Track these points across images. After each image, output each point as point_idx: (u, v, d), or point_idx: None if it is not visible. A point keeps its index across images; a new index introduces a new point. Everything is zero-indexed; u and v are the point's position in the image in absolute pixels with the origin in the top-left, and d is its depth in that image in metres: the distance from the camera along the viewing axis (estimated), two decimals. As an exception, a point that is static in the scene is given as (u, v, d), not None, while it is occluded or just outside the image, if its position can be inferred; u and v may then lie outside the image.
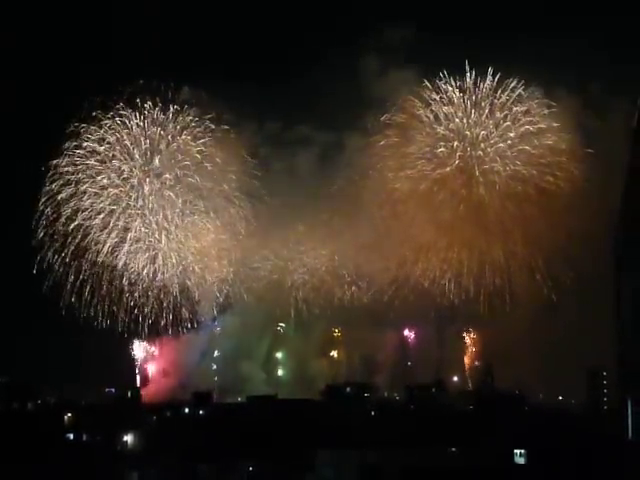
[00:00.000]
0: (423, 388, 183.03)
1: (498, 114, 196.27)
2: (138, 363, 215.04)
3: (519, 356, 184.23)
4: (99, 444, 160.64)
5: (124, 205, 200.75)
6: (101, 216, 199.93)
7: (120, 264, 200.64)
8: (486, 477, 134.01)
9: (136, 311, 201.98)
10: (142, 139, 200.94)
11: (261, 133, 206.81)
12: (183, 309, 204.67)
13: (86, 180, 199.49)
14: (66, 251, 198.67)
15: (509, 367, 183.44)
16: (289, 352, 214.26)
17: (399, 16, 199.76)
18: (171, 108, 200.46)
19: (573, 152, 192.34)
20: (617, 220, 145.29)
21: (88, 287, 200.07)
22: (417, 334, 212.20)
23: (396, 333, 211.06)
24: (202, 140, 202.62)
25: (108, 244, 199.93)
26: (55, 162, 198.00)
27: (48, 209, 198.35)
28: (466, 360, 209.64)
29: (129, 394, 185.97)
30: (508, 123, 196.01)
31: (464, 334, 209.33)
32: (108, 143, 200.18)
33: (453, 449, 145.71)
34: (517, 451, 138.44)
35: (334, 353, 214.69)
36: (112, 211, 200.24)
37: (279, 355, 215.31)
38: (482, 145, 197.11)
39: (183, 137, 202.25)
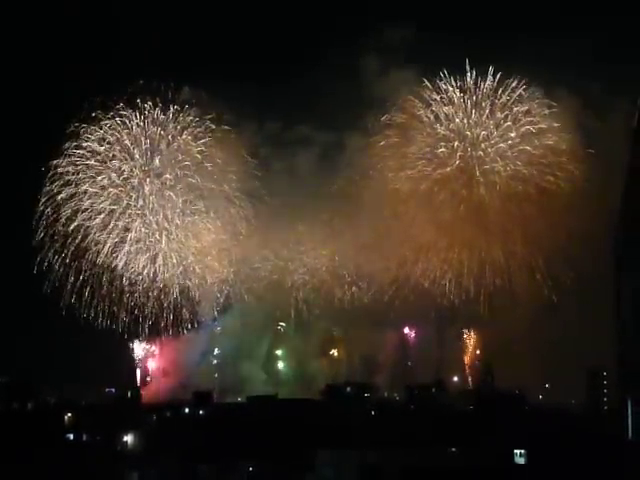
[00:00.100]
0: (423, 388, 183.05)
1: (498, 114, 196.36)
2: (138, 363, 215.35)
3: (519, 356, 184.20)
4: (99, 444, 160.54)
5: (124, 205, 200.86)
6: (101, 216, 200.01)
7: (120, 264, 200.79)
8: (486, 477, 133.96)
9: (136, 311, 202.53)
10: (142, 139, 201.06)
11: (261, 133, 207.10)
12: (183, 309, 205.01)
13: (86, 180, 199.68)
14: (66, 251, 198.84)
15: (509, 367, 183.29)
16: (289, 352, 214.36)
17: (399, 16, 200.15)
18: (171, 108, 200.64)
19: (573, 152, 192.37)
20: (617, 220, 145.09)
21: (88, 287, 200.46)
22: (417, 333, 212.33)
23: (396, 333, 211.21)
24: (202, 140, 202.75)
25: (108, 244, 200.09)
26: (55, 162, 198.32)
27: (48, 209, 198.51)
28: (466, 360, 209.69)
29: (129, 394, 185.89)
30: (508, 123, 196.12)
31: (464, 334, 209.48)
32: (108, 143, 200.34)
33: (453, 449, 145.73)
34: (517, 451, 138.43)
35: (334, 353, 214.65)
36: (112, 211, 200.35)
37: (279, 355, 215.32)
38: (482, 145, 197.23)
39: (183, 137, 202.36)
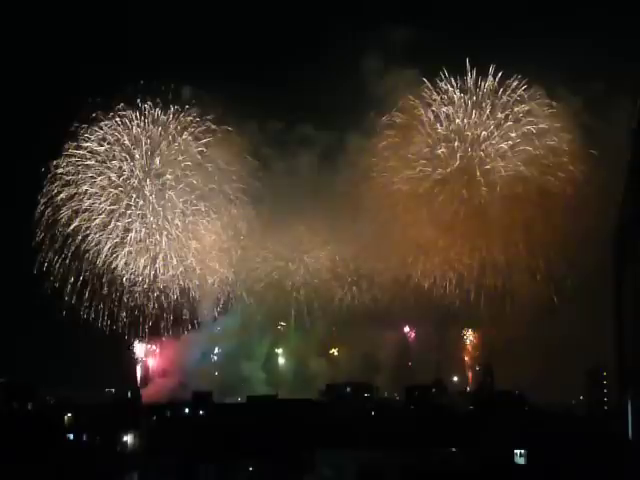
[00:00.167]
0: (423, 388, 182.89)
1: (499, 114, 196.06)
2: (138, 363, 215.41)
3: (519, 356, 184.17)
4: (99, 444, 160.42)
5: (124, 206, 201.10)
6: (101, 217, 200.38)
7: (120, 265, 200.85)
8: (486, 477, 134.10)
9: (136, 312, 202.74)
10: (143, 139, 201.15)
11: (262, 133, 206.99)
12: (184, 309, 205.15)
13: (86, 181, 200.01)
14: (66, 252, 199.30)
15: (509, 367, 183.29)
16: (289, 352, 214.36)
17: (400, 16, 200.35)
18: (172, 108, 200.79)
19: (573, 152, 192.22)
20: (617, 220, 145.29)
21: (88, 288, 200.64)
22: (417, 333, 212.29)
23: (396, 333, 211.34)
24: (203, 140, 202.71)
25: (108, 245, 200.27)
26: (55, 162, 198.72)
27: (48, 210, 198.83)
28: (466, 360, 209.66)
29: (129, 394, 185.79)
30: (509, 123, 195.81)
31: (464, 334, 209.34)
32: (108, 143, 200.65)
33: (453, 449, 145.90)
34: (517, 451, 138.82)
35: (334, 353, 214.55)
36: (112, 212, 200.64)
37: (279, 355, 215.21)
38: (483, 145, 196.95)
39: (184, 137, 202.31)
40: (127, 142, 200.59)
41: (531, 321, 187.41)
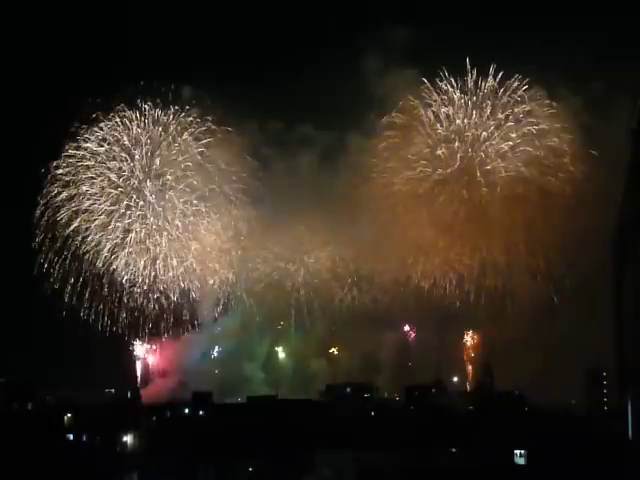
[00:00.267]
0: (423, 388, 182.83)
1: (499, 115, 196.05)
2: (138, 363, 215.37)
3: (519, 356, 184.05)
4: (99, 444, 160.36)
5: (124, 206, 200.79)
6: (101, 217, 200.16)
7: (121, 265, 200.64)
8: (486, 477, 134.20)
9: (137, 312, 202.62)
10: (143, 140, 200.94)
11: (262, 133, 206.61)
12: (184, 310, 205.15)
13: (86, 181, 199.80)
14: (66, 253, 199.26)
15: (509, 367, 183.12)
16: (289, 352, 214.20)
17: (400, 16, 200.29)
18: (172, 109, 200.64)
19: (574, 152, 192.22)
20: (617, 220, 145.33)
21: (88, 288, 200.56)
22: (417, 333, 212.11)
23: (396, 334, 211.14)
24: (203, 141, 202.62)
25: (108, 245, 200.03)
26: (55, 163, 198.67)
27: (48, 210, 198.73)
28: (466, 361, 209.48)
29: (129, 394, 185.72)
30: (509, 124, 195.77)
31: (464, 334, 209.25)
32: (108, 144, 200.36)
33: (453, 450, 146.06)
34: (517, 451, 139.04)
35: (334, 352, 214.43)
36: (112, 212, 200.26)
37: (279, 355, 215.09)
38: (483, 146, 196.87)
39: (184, 137, 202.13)
40: (127, 143, 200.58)
41: (531, 321, 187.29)
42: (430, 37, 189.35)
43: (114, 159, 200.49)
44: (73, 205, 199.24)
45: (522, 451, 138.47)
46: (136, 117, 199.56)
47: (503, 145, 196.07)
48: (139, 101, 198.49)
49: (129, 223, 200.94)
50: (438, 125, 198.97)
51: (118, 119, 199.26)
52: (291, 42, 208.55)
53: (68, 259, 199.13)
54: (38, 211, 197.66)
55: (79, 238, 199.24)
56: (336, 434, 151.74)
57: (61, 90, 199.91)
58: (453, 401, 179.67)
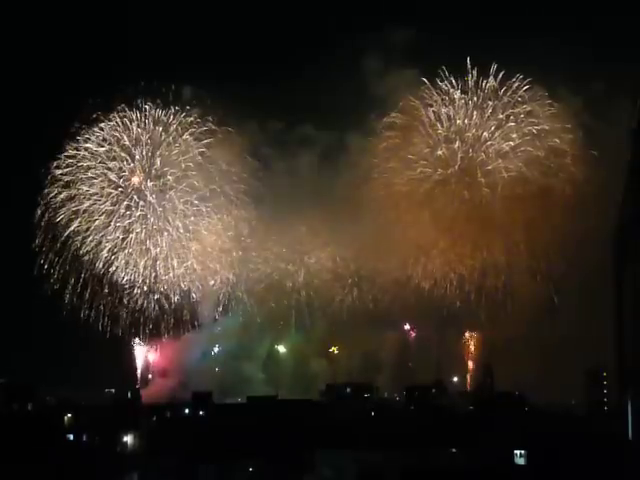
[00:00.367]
0: (423, 389, 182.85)
1: (500, 115, 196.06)
2: (138, 363, 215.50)
3: (519, 356, 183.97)
4: (99, 445, 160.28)
5: (125, 207, 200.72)
6: (102, 218, 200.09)
7: (121, 266, 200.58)
8: (486, 478, 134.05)
9: (137, 312, 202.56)
10: (143, 140, 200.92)
11: (262, 133, 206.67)
12: (184, 310, 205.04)
13: (86, 182, 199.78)
14: (67, 253, 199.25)
15: (509, 367, 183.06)
16: (289, 352, 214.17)
17: (401, 16, 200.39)
18: (172, 109, 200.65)
19: (574, 153, 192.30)
20: (617, 220, 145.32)
21: (89, 289, 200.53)
22: (417, 333, 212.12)
23: (396, 334, 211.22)
24: (203, 141, 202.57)
25: (109, 246, 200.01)
26: (56, 163, 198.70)
27: (48, 211, 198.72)
28: (466, 361, 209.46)
29: (129, 394, 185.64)
30: (510, 124, 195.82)
31: (464, 335, 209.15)
32: (109, 144, 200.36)
33: (453, 450, 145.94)
34: (517, 452, 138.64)
35: (334, 354, 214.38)
36: (113, 213, 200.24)
37: (279, 355, 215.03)
38: (484, 146, 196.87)
39: (184, 138, 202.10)
40: (127, 143, 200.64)
41: (531, 321, 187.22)
42: (430, 37, 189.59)
43: (114, 159, 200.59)
44: (73, 205, 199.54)
45: (522, 451, 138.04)
46: (136, 117, 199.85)
47: (504, 145, 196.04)
48: (139, 101, 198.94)
49: (129, 223, 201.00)
50: (439, 125, 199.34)
51: (118, 119, 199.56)
52: (291, 42, 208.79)
53: (68, 260, 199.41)
54: (38, 211, 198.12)
55: (79, 238, 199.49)
56: (336, 434, 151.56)
57: (61, 90, 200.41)
58: (453, 401, 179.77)
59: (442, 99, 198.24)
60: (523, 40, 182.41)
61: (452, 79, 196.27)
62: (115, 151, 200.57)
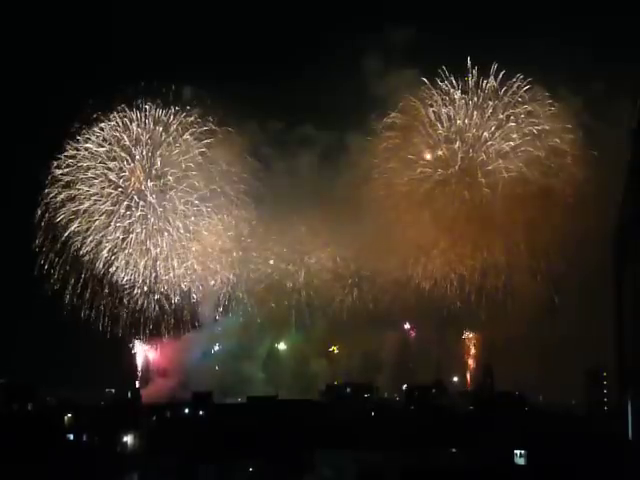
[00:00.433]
0: (423, 389, 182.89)
1: (500, 115, 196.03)
2: (138, 363, 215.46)
3: (519, 356, 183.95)
4: (99, 444, 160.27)
5: (125, 207, 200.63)
6: (102, 218, 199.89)
7: (121, 266, 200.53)
8: (486, 478, 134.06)
9: (137, 313, 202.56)
10: (143, 140, 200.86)
11: (263, 133, 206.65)
12: (184, 310, 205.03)
13: (87, 182, 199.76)
14: (67, 253, 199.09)
15: (509, 367, 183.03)
16: (290, 352, 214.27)
17: (401, 16, 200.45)
18: (172, 109, 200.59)
19: (574, 152, 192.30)
20: (617, 220, 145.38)
21: (89, 289, 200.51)
22: (417, 333, 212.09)
23: (397, 334, 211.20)
24: (204, 141, 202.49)
25: (109, 246, 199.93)
26: (56, 163, 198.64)
27: (49, 211, 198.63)
28: (466, 361, 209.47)
29: (129, 394, 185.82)
30: (510, 124, 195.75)
31: (464, 335, 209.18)
32: (109, 144, 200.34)
33: (453, 450, 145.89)
34: (517, 452, 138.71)
35: (335, 354, 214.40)
36: (113, 213, 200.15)
37: (280, 355, 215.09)
38: (484, 146, 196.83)
39: (184, 138, 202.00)
40: (128, 143, 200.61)
41: (531, 321, 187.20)
42: (430, 37, 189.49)
43: (115, 159, 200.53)
44: (73, 206, 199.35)
45: (522, 451, 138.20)
46: (136, 117, 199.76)
47: (504, 145, 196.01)
48: (139, 101, 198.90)
49: (130, 224, 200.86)
50: (439, 125, 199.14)
51: (118, 119, 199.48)
52: (291, 42, 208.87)
53: (68, 260, 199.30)
54: (38, 212, 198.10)
55: (79, 239, 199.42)
56: (336, 434, 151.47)
57: (61, 90, 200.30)
58: (453, 401, 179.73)
59: (442, 99, 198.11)
60: (523, 40, 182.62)
61: (452, 79, 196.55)
62: (115, 151, 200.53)
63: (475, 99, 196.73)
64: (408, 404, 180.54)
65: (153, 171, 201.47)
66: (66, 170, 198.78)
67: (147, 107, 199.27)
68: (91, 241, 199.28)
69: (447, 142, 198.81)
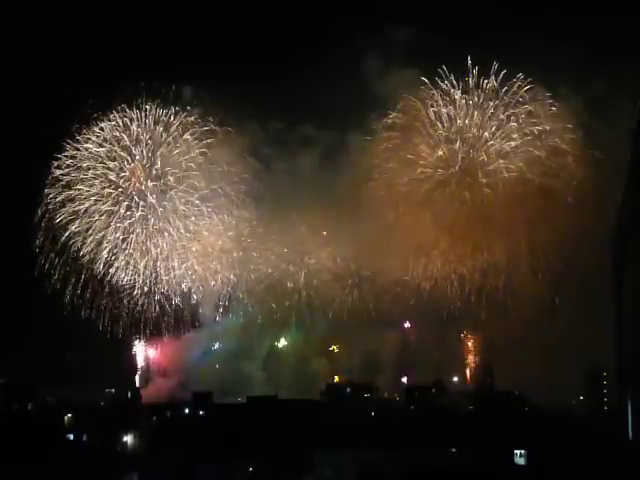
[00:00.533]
0: (423, 389, 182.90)
1: (501, 115, 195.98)
2: (138, 363, 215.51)
3: (519, 356, 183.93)
4: (99, 444, 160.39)
5: (125, 207, 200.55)
6: (102, 218, 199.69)
7: (121, 266, 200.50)
8: (486, 478, 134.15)
9: (137, 312, 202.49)
10: (143, 140, 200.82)
11: (263, 133, 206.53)
12: (184, 310, 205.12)
13: (87, 182, 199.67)
14: (67, 253, 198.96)
15: (509, 367, 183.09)
16: (290, 352, 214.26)
17: (402, 16, 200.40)
18: (173, 109, 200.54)
19: (574, 152, 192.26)
20: (617, 220, 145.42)
21: (89, 289, 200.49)
22: (417, 333, 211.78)
23: (397, 334, 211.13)
24: (204, 141, 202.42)
25: (109, 246, 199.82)
26: (56, 164, 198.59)
27: (49, 211, 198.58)
28: (466, 361, 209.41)
29: (129, 394, 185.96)
30: (511, 124, 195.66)
31: (464, 334, 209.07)
32: (109, 144, 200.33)
33: (453, 450, 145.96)
34: (517, 451, 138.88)
35: (334, 350, 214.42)
36: (113, 213, 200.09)
37: (280, 355, 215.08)
38: (485, 146, 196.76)
39: (185, 138, 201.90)
40: (128, 143, 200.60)
41: (531, 321, 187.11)
42: (431, 37, 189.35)
43: (115, 159, 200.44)
44: (74, 206, 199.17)
45: (522, 451, 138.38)
46: (137, 117, 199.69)
47: (505, 145, 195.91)
48: (139, 101, 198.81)
49: (130, 224, 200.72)
50: (439, 125, 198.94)
51: (119, 119, 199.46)
52: (291, 42, 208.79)
53: (69, 260, 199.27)
54: (39, 212, 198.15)
55: (80, 239, 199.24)
56: (336, 434, 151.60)
57: (61, 90, 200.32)
58: (453, 401, 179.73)
59: (443, 99, 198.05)
60: (524, 40, 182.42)
61: (453, 79, 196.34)
62: (115, 151, 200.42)
63: (475, 99, 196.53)
64: (408, 404, 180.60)
65: (153, 171, 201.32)
66: (66, 170, 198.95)
67: (147, 107, 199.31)
68: (91, 241, 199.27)
69: (447, 142, 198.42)
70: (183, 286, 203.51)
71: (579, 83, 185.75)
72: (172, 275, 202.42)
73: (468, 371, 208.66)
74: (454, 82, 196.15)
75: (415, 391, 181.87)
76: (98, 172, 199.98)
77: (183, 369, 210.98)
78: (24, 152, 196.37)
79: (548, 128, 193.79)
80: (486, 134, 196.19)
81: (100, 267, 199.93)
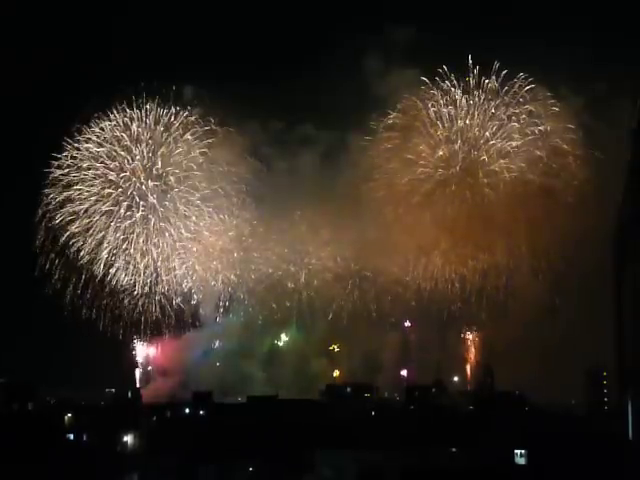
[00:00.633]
0: (423, 388, 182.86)
1: (502, 115, 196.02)
2: (139, 363, 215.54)
3: (519, 356, 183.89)
4: (99, 444, 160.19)
5: (125, 207, 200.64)
6: (103, 218, 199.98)
7: (122, 266, 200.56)
8: (486, 477, 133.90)
9: (137, 312, 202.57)
10: (144, 140, 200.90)
11: (263, 133, 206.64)
12: (185, 310, 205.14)
13: (87, 182, 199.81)
14: (67, 253, 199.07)
15: (509, 367, 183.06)
16: (290, 352, 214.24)
17: (402, 16, 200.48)
18: (173, 109, 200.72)
19: (575, 152, 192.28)
20: (617, 220, 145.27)
21: (90, 289, 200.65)
22: (418, 333, 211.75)
23: (397, 334, 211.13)
24: (204, 141, 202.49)
25: (110, 246, 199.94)
26: (56, 164, 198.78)
27: (49, 211, 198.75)
28: (466, 361, 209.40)
29: (129, 394, 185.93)
30: (511, 124, 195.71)
31: (465, 334, 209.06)
32: (110, 144, 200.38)
33: (453, 449, 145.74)
34: (517, 451, 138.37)
35: (335, 349, 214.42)
36: (113, 213, 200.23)
37: (280, 355, 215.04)
38: (485, 146, 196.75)
39: (185, 138, 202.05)
40: (128, 143, 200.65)
41: (531, 321, 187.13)
42: (431, 37, 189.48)
43: (115, 159, 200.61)
44: (74, 206, 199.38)
45: (522, 451, 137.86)
46: (137, 118, 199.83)
47: (505, 145, 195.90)
48: (140, 101, 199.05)
49: (130, 224, 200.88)
50: (440, 125, 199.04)
51: (119, 119, 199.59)
52: (291, 42, 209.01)
53: (69, 260, 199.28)
54: (39, 212, 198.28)
55: (80, 239, 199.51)
56: (336, 434, 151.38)
57: (61, 90, 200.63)
58: (453, 401, 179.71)
59: (443, 99, 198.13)
60: (524, 40, 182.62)
61: (453, 79, 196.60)
62: (116, 151, 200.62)
63: (476, 99, 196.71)
64: (408, 404, 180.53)
65: (154, 171, 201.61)
66: (66, 170, 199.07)
67: (147, 107, 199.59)
68: (92, 241, 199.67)
69: (448, 142, 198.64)
70: (183, 286, 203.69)
71: (579, 83, 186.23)
72: (172, 275, 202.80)
73: (468, 371, 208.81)
74: (455, 82, 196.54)
75: (415, 391, 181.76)
76: (98, 172, 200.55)
77: (183, 369, 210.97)
78: (24, 152, 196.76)
79: (549, 128, 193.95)
80: (487, 134, 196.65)
81: (100, 267, 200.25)
